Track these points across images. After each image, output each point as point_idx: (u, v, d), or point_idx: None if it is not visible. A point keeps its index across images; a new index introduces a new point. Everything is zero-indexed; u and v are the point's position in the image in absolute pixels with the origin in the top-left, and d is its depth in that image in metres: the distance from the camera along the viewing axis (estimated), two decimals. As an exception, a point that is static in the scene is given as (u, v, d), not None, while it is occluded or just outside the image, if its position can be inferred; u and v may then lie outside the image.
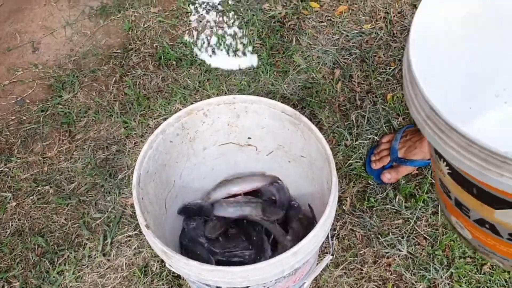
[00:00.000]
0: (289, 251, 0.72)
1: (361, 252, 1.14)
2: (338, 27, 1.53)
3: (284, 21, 1.56)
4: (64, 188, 1.30)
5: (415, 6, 1.54)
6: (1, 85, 1.53)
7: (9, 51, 1.62)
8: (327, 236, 0.92)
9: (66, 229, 1.24)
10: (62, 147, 1.38)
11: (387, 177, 1.19)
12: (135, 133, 1.38)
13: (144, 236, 1.15)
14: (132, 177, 1.19)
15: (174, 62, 1.50)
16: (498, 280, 1.09)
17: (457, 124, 0.55)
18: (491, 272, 1.09)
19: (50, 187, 1.31)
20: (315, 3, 1.59)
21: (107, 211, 1.25)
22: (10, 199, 1.29)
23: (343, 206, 1.21)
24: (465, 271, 1.09)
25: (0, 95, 1.52)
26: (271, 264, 0.72)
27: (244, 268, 0.71)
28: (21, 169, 1.35)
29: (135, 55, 1.55)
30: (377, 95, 1.37)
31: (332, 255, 0.96)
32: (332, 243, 1.00)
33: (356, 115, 1.34)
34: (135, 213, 1.19)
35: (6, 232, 1.24)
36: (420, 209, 1.18)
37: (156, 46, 1.56)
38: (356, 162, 1.27)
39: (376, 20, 1.54)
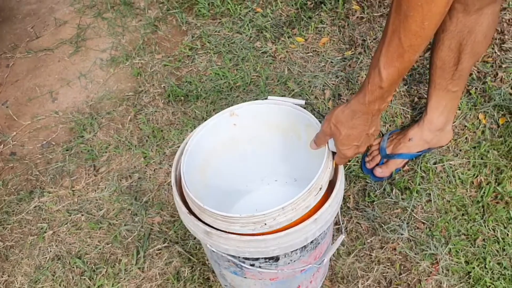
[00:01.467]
0: (310, 218, 0.87)
1: (368, 240, 1.29)
2: (323, 55, 1.74)
3: (275, 55, 1.77)
4: (94, 215, 1.44)
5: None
6: (27, 132, 1.69)
7: (30, 102, 1.79)
8: (338, 217, 1.07)
9: (100, 249, 1.36)
10: (88, 180, 1.53)
11: (379, 171, 1.37)
12: (153, 161, 1.54)
13: (174, 247, 1.28)
14: (155, 199, 1.34)
15: (182, 98, 1.69)
16: (491, 251, 1.23)
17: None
18: (484, 245, 1.24)
19: (82, 215, 1.44)
20: (300, 38, 1.81)
21: (137, 230, 1.38)
22: (46, 229, 1.42)
23: (348, 204, 1.36)
24: (461, 245, 1.24)
25: (27, 141, 1.67)
26: (297, 230, 0.87)
27: (276, 235, 0.86)
28: (53, 202, 1.48)
29: (145, 96, 1.73)
30: (365, 108, 1.56)
31: (345, 234, 1.11)
32: (343, 223, 1.15)
33: (349, 126, 1.52)
34: (162, 228, 1.34)
35: (46, 257, 1.36)
36: (415, 199, 1.34)
37: (164, 86, 1.75)
38: (354, 165, 1.44)
39: (356, 47, 1.75)
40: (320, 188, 0.89)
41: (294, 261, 0.98)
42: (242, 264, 0.95)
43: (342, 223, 1.17)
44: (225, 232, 0.88)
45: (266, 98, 1.04)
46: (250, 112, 1.06)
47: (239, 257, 0.94)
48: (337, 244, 1.06)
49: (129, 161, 1.56)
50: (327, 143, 0.92)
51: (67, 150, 1.61)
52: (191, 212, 0.92)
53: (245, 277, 1.02)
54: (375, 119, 0.86)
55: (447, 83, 1.28)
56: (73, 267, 1.33)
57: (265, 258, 0.94)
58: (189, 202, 0.93)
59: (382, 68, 0.76)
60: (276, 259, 0.95)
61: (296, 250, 0.94)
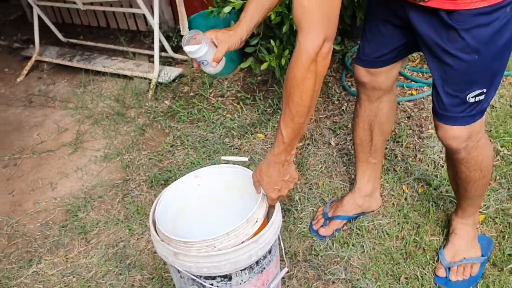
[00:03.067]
0: (252, 238, 1.17)
1: (314, 284, 1.55)
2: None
3: (240, 147, 2.16)
4: (84, 276, 1.68)
5: (332, 130, 2.19)
6: (29, 214, 1.99)
7: (33, 191, 2.11)
8: (282, 251, 1.36)
9: (88, 303, 1.59)
10: (80, 249, 1.79)
11: (323, 231, 1.67)
12: (136, 233, 1.83)
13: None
14: (137, 261, 1.62)
15: (162, 182, 2.02)
16: (412, 286, 1.50)
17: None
18: (407, 282, 1.51)
19: (73, 277, 1.69)
20: (261, 134, 2.22)
21: (120, 286, 1.62)
22: (41, 289, 1.65)
23: (298, 257, 1.64)
24: (388, 283, 1.51)
25: (28, 221, 1.96)
26: (243, 247, 1.16)
27: (225, 251, 1.15)
28: (49, 268, 1.73)
29: (132, 183, 2.07)
30: (312, 184, 1.91)
31: (288, 268, 1.38)
32: (286, 259, 1.42)
33: (299, 197, 1.85)
34: (142, 284, 1.59)
35: (40, 311, 1.58)
36: (351, 250, 1.63)
37: (148, 174, 2.10)
38: (303, 227, 1.74)
39: (305, 140, 2.16)
40: (256, 221, 1.20)
41: (245, 281, 1.25)
42: (204, 283, 1.22)
43: (287, 261, 1.44)
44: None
45: (220, 158, 1.39)
46: (210, 174, 1.41)
47: (200, 276, 1.21)
48: (282, 274, 1.33)
49: (116, 233, 1.84)
50: (261, 189, 1.26)
51: (63, 227, 1.90)
52: (163, 240, 1.22)
53: (207, 299, 1.27)
54: (286, 168, 1.21)
55: (367, 156, 1.65)
56: (64, 318, 1.55)
57: (221, 277, 1.21)
58: (161, 236, 1.22)
59: (282, 129, 1.13)
60: (229, 277, 1.22)
61: (245, 269, 1.22)
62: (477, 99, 1.21)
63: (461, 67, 1.17)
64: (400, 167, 1.92)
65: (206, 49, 1.25)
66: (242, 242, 1.15)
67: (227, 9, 1.88)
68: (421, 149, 1.99)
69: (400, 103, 2.27)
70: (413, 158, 1.96)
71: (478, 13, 1.09)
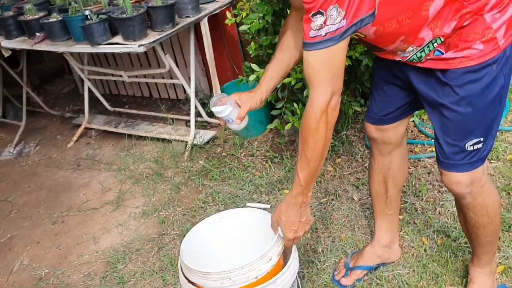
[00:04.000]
0: (270, 280, 1.29)
1: (335, 331, 1.61)
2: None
3: (268, 203, 2.30)
4: (120, 323, 1.81)
5: (355, 186, 2.30)
6: (73, 266, 2.16)
7: (77, 245, 2.30)
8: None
9: None
10: (118, 298, 1.93)
11: (344, 281, 1.75)
12: (169, 283, 1.96)
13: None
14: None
15: (195, 236, 2.17)
16: None
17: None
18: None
19: (110, 323, 1.81)
20: (287, 190, 2.35)
21: (153, 331, 1.74)
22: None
23: (320, 305, 1.72)
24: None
25: (72, 273, 2.13)
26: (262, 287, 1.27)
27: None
28: (89, 315, 1.87)
29: (167, 237, 2.23)
30: (335, 236, 2.01)
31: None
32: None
33: (322, 249, 1.95)
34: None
35: None
36: (372, 299, 1.69)
37: (181, 229, 2.25)
38: (326, 277, 1.82)
39: (329, 195, 2.27)
40: (270, 259, 1.32)
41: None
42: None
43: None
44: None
45: (245, 205, 1.53)
46: (234, 217, 1.55)
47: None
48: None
49: (151, 284, 1.98)
50: (278, 229, 1.38)
51: (103, 278, 2.05)
52: (189, 281, 1.35)
53: None
54: (303, 210, 1.34)
55: (383, 208, 1.75)
56: None
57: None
58: (183, 267, 1.35)
59: (299, 172, 1.28)
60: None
61: (263, 309, 1.32)
62: (475, 147, 1.33)
63: (457, 118, 1.30)
64: (420, 220, 2.00)
65: (230, 109, 1.43)
66: (256, 277, 1.26)
67: (252, 77, 2.10)
68: (441, 203, 2.07)
69: (421, 159, 2.37)
70: (433, 211, 2.03)
71: (468, 71, 1.23)
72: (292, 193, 1.31)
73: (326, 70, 1.18)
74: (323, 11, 1.06)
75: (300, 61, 1.39)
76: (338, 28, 1.08)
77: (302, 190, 1.30)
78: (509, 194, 2.02)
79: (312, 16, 1.08)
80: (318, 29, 1.09)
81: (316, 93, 1.20)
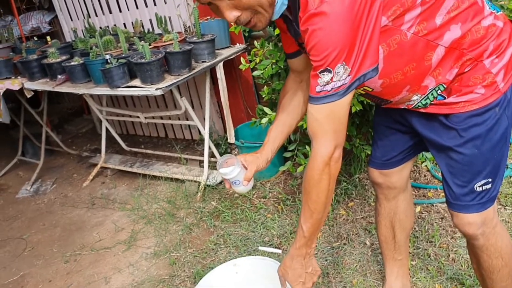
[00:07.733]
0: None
1: None
2: (317, 245, 2.24)
3: (280, 246, 2.29)
4: None
5: (367, 230, 2.29)
6: (83, 306, 2.16)
7: (89, 285, 2.30)
8: None
9: None
10: None
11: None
12: (178, 326, 1.94)
13: None
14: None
15: (205, 278, 2.16)
16: None
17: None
18: None
19: None
20: (299, 234, 2.34)
21: None
22: None
23: None
24: None
25: (82, 312, 2.13)
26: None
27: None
28: None
29: (177, 278, 2.22)
30: (347, 282, 1.98)
31: None
32: None
33: (332, 294, 1.93)
34: None
35: None
36: None
37: (192, 271, 2.25)
38: (336, 324, 1.79)
39: (342, 240, 2.26)
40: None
41: None
42: None
43: None
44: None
45: (257, 249, 1.54)
46: (247, 264, 1.55)
47: None
48: None
49: (159, 326, 1.96)
50: (287, 284, 1.38)
51: (112, 319, 2.04)
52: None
53: None
54: (308, 261, 1.33)
55: (392, 253, 1.74)
56: None
57: None
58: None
59: (303, 224, 1.28)
60: None
61: None
62: (484, 187, 1.33)
63: (464, 160, 1.31)
64: (433, 266, 1.97)
65: (238, 169, 1.40)
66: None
67: (264, 120, 2.14)
68: (454, 249, 2.04)
69: (434, 204, 2.35)
70: (446, 258, 2.00)
71: (472, 115, 1.26)
72: (296, 245, 1.31)
73: (330, 123, 1.20)
74: (331, 69, 1.10)
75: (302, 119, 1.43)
76: (342, 84, 1.12)
77: (306, 241, 1.30)
78: (525, 241, 1.99)
79: (320, 72, 1.11)
80: (325, 85, 1.12)
81: (320, 145, 1.21)
